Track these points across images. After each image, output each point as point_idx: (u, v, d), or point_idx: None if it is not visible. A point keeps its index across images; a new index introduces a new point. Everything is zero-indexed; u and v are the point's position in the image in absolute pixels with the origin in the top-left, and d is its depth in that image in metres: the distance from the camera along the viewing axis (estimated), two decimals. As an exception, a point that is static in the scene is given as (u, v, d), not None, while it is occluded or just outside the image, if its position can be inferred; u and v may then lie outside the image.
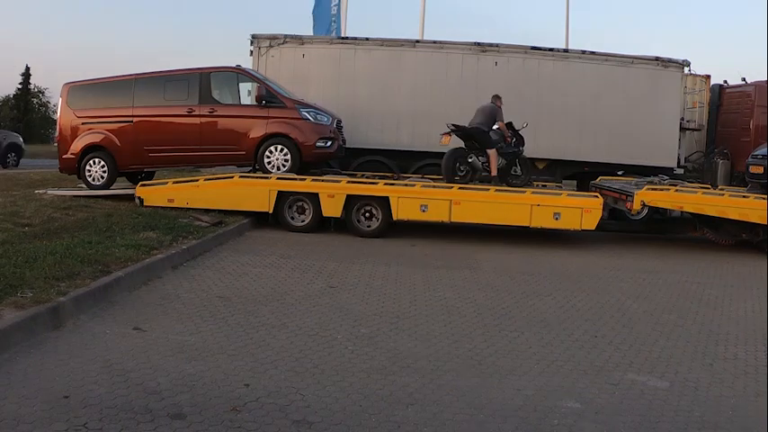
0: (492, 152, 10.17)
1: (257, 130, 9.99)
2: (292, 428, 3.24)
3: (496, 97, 10.58)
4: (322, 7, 18.61)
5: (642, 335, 5.23)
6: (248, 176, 10.21)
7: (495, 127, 10.41)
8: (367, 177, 11.08)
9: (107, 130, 10.33)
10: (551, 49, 12.64)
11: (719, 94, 14.21)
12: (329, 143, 10.17)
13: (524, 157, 10.95)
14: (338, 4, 18.47)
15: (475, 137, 10.17)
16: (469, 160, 10.23)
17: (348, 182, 10.01)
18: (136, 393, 3.51)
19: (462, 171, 10.25)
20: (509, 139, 10.55)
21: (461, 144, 10.36)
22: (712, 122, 14.20)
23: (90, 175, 10.43)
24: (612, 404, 3.78)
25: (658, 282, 7.54)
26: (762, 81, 13.27)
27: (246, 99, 11.01)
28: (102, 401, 3.38)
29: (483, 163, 10.23)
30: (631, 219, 11.73)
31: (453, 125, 10.12)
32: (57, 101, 13.74)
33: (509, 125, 10.58)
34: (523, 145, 10.81)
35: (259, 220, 10.05)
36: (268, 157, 10.00)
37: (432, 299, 6.09)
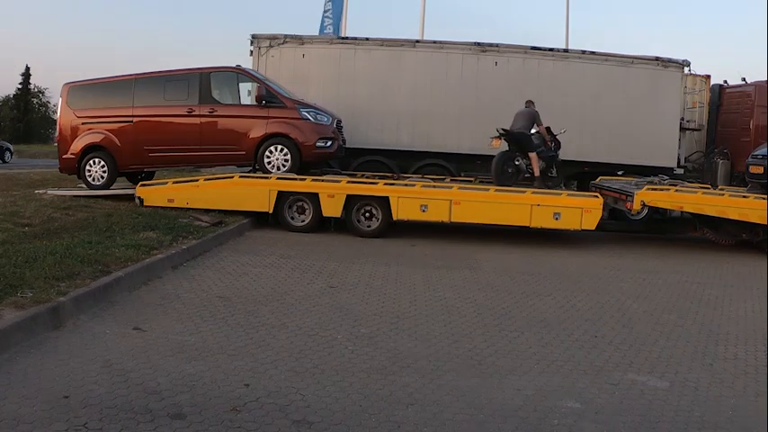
0: (534, 155, 10.37)
1: (257, 130, 9.99)
2: (292, 428, 3.24)
3: (531, 102, 10.78)
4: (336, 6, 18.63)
5: (642, 335, 5.23)
6: (248, 176, 10.21)
7: (533, 131, 10.57)
8: (367, 177, 11.08)
9: (107, 130, 10.34)
10: (551, 49, 12.64)
11: (719, 94, 14.21)
12: (329, 143, 10.18)
13: (559, 161, 11.12)
14: (331, 2, 18.49)
15: (520, 141, 10.34)
16: (516, 163, 10.43)
17: (348, 182, 10.01)
18: (136, 393, 3.51)
19: (510, 172, 10.44)
20: (549, 143, 10.81)
21: (507, 147, 10.51)
22: (712, 122, 14.20)
23: (90, 175, 10.44)
24: (612, 404, 3.78)
25: (658, 282, 7.54)
26: (762, 81, 13.27)
27: (246, 99, 11.01)
28: (102, 401, 3.38)
29: (527, 165, 10.43)
30: (631, 219, 11.74)
31: (503, 129, 10.27)
32: (57, 101, 13.75)
33: (547, 129, 10.78)
34: (560, 148, 11.03)
35: (259, 220, 10.05)
36: (268, 157, 10.00)
37: (432, 299, 6.08)
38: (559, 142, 11.02)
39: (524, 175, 10.49)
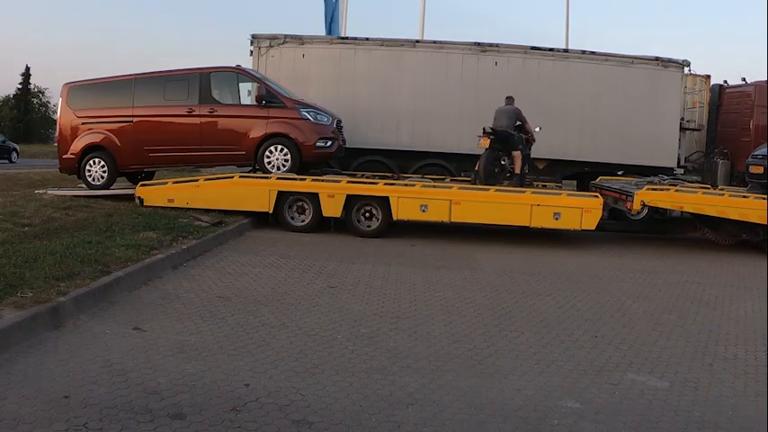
0: (517, 154, 10.44)
1: (257, 130, 10.00)
2: (292, 428, 3.24)
3: (511, 98, 10.82)
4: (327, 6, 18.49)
5: (642, 335, 5.23)
6: (248, 176, 10.22)
7: (517, 125, 10.63)
8: (367, 177, 11.08)
9: (107, 130, 10.34)
10: (551, 49, 12.65)
11: (719, 94, 14.20)
12: (329, 143, 10.18)
13: (531, 159, 11.21)
14: (335, 3, 18.37)
15: (505, 140, 10.38)
16: (503, 162, 10.49)
17: (348, 182, 10.01)
18: (136, 393, 3.51)
19: (496, 172, 10.49)
20: (531, 141, 10.88)
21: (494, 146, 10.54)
22: (712, 122, 14.20)
23: (90, 175, 10.44)
24: (612, 404, 3.78)
25: (658, 282, 7.54)
26: (762, 81, 13.26)
27: (246, 99, 11.00)
28: (102, 401, 3.38)
29: (509, 164, 10.49)
30: (631, 219, 11.74)
31: (490, 128, 10.29)
32: (57, 101, 13.75)
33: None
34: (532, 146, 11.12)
35: (259, 220, 10.05)
36: (268, 157, 10.00)
37: (432, 299, 6.08)
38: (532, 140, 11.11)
39: (507, 174, 10.55)
